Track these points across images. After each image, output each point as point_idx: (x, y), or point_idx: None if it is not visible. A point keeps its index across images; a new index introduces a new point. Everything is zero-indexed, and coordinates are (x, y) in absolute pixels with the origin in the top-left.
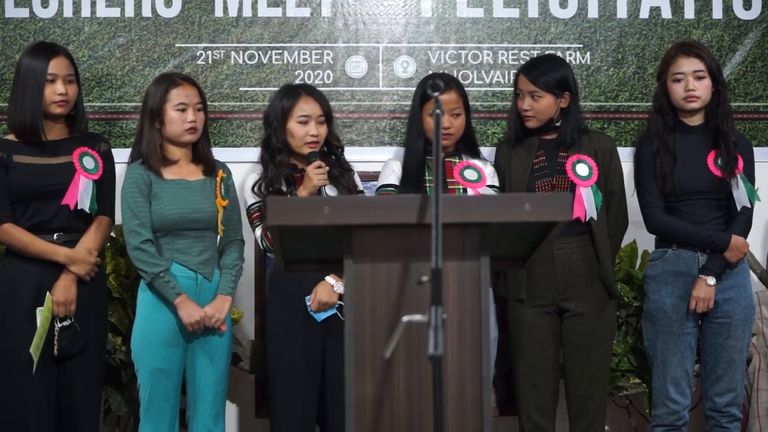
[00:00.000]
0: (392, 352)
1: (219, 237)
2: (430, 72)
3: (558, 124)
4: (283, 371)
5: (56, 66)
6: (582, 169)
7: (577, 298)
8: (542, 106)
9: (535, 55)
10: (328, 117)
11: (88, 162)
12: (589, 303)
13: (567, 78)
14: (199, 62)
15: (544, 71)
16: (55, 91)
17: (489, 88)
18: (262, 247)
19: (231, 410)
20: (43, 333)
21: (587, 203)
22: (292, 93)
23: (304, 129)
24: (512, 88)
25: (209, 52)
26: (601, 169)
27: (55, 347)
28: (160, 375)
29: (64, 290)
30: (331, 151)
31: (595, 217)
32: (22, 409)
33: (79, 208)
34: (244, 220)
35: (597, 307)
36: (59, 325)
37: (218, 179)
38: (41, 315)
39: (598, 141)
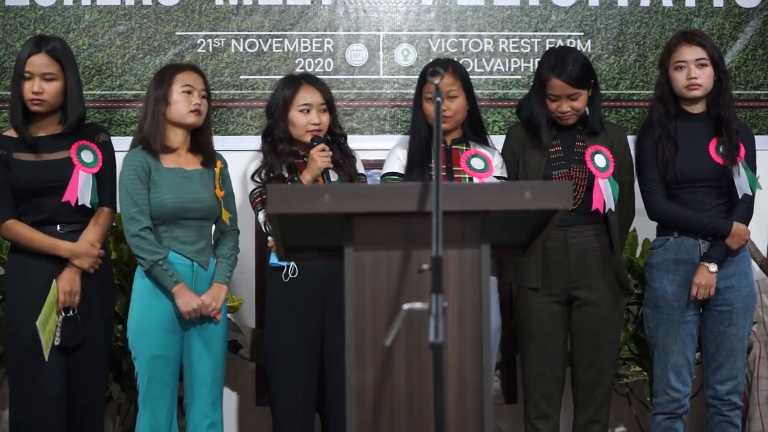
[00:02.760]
0: (393, 340)
1: (213, 228)
2: (431, 60)
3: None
4: (283, 359)
5: (33, 64)
6: (600, 160)
7: (589, 287)
8: (581, 103)
9: (536, 44)
10: (329, 105)
11: (87, 156)
12: (602, 292)
13: (589, 66)
14: (199, 50)
15: (574, 68)
16: (30, 89)
17: (489, 76)
18: (265, 231)
19: (232, 398)
20: (49, 312)
21: (606, 195)
22: (293, 82)
23: (305, 118)
24: (513, 77)
25: (210, 40)
26: (617, 161)
27: (57, 337)
28: (159, 362)
29: (68, 281)
30: (334, 139)
31: (613, 209)
32: (37, 397)
33: (80, 204)
34: (239, 210)
35: (609, 297)
36: (62, 315)
37: (217, 170)
38: (48, 297)
39: (614, 132)
